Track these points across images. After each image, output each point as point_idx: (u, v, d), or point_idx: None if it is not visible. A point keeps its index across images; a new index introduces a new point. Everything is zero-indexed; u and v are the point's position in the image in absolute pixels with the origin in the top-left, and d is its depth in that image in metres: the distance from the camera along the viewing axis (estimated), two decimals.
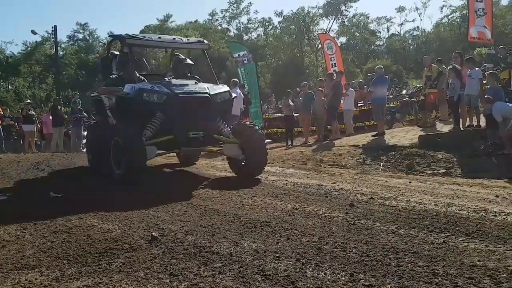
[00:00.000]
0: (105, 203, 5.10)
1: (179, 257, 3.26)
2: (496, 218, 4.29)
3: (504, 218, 4.27)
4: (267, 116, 15.83)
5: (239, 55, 15.79)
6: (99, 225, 4.20)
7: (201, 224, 4.14)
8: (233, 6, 49.48)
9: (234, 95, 7.58)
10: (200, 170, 8.04)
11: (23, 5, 67.20)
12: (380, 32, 52.53)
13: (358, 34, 45.60)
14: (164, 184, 6.64)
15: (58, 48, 34.24)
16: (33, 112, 16.19)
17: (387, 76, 12.47)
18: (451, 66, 10.29)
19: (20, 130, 15.59)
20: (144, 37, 7.93)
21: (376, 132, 11.03)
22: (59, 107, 15.35)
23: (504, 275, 2.80)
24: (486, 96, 8.69)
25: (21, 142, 15.52)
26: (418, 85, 15.93)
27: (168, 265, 3.10)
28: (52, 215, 4.58)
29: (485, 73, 10.17)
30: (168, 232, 3.89)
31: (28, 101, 18.85)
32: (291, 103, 13.44)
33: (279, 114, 15.41)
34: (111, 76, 7.48)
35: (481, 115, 9.51)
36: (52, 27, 28.57)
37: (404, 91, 17.42)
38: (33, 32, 30.03)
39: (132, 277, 2.91)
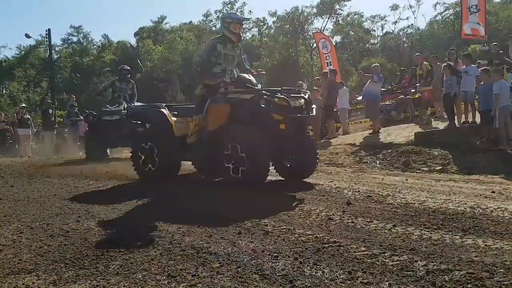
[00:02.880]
0: (102, 205, 5.10)
1: (177, 258, 3.26)
2: (493, 213, 4.31)
3: (501, 214, 4.28)
4: None
5: None
6: (95, 228, 4.18)
7: (198, 225, 4.13)
8: (227, 7, 49.41)
9: None
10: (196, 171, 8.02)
11: (17, 9, 66.96)
12: (374, 30, 52.56)
13: (352, 33, 45.60)
14: (159, 185, 6.62)
15: (52, 51, 34.13)
16: (28, 116, 16.15)
17: (381, 76, 12.53)
18: (445, 63, 10.35)
19: (15, 134, 15.53)
20: None
21: (372, 130, 11.07)
22: (50, 111, 15.33)
23: (502, 270, 2.81)
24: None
25: (17, 147, 15.47)
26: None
27: (165, 267, 3.09)
28: (49, 218, 4.57)
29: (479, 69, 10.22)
30: (165, 233, 3.88)
31: (23, 105, 18.79)
32: None
33: None
34: None
35: (477, 111, 9.55)
36: (46, 31, 28.57)
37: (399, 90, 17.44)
38: (27, 35, 29.94)
39: (130, 279, 2.90)
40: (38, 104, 32.98)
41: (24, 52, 43.25)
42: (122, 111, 10.47)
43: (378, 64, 13.22)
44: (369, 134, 10.83)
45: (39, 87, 39.55)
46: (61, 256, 3.38)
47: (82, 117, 15.45)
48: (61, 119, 15.77)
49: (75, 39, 49.36)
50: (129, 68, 11.66)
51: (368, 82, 11.69)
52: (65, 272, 3.07)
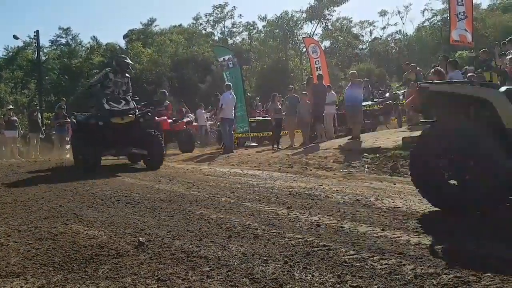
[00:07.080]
0: (90, 208, 5.07)
1: (167, 262, 3.25)
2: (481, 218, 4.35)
3: (488, 218, 4.33)
4: (252, 120, 15.86)
5: (224, 59, 15.81)
6: (84, 231, 4.16)
7: (188, 229, 4.13)
8: (217, 10, 49.50)
9: None
10: (187, 175, 8.02)
11: (5, 10, 66.27)
12: (363, 36, 53.15)
13: (341, 38, 45.95)
14: (149, 189, 6.59)
15: (41, 53, 33.78)
16: (16, 118, 15.97)
17: (361, 80, 12.66)
18: (433, 69, 10.46)
19: (2, 136, 15.34)
20: None
21: (351, 136, 11.12)
22: (35, 113, 15.17)
23: (489, 273, 2.85)
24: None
25: (3, 149, 15.28)
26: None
27: (155, 271, 3.08)
28: (37, 221, 4.53)
29: (466, 75, 10.38)
30: (155, 237, 3.87)
31: (11, 106, 18.57)
32: (279, 106, 13.54)
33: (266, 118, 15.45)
34: None
35: None
36: (34, 32, 28.26)
37: (387, 94, 17.61)
38: (15, 37, 29.80)
39: (119, 283, 2.89)
40: (26, 106, 32.67)
41: (12, 54, 42.85)
42: (135, 112, 9.13)
43: (355, 71, 13.39)
44: (348, 140, 10.84)
45: (27, 88, 39.16)
46: (49, 260, 3.36)
47: (69, 120, 15.32)
48: (49, 121, 15.64)
49: (63, 40, 48.99)
50: (129, 61, 10.05)
51: (348, 87, 11.77)
52: (53, 276, 3.05)
